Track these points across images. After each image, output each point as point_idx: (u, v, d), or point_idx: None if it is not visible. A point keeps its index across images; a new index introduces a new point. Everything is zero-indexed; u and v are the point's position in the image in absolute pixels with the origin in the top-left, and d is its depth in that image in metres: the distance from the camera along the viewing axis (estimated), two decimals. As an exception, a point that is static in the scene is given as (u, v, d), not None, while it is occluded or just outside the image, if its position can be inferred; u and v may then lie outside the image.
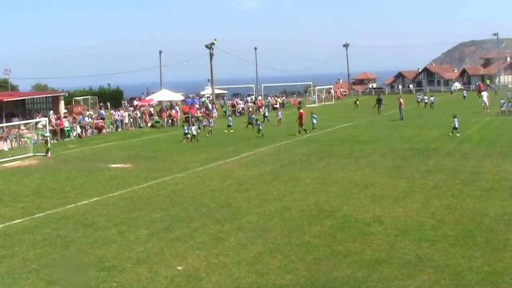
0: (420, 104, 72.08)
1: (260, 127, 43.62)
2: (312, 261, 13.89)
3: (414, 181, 23.25)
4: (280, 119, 52.77)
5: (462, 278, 12.35)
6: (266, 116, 56.78)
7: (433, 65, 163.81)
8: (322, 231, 16.48)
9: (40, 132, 47.34)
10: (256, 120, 46.16)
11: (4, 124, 45.93)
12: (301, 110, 45.24)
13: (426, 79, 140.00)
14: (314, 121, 46.68)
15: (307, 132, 42.67)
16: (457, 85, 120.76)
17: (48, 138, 40.33)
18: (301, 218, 18.08)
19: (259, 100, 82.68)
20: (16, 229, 18.46)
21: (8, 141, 45.17)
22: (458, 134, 37.51)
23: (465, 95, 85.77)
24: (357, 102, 76.48)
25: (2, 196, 24.31)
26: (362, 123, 51.70)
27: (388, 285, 12.21)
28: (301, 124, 43.34)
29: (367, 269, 13.12)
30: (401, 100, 54.92)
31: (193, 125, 45.87)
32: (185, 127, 43.74)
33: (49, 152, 38.07)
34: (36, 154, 38.70)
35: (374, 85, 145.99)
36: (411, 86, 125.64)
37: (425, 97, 73.87)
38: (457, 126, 38.21)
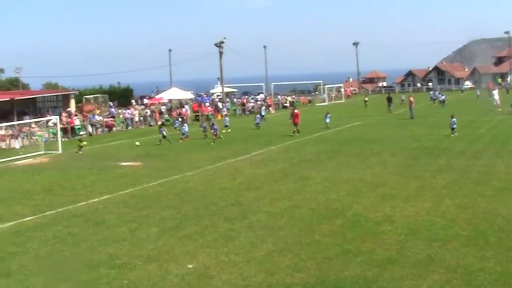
0: (435, 101, 71.83)
1: (216, 132, 40.87)
2: (322, 260, 13.86)
3: (424, 180, 23.16)
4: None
5: (474, 279, 12.28)
6: (263, 116, 55.99)
7: (444, 63, 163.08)
8: (332, 230, 16.44)
9: (51, 130, 47.54)
10: (212, 124, 42.75)
11: (16, 122, 46.20)
12: (296, 110, 44.91)
13: (436, 78, 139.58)
14: (328, 120, 46.52)
15: (299, 132, 42.15)
16: (468, 84, 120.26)
17: (82, 137, 41.39)
18: (311, 217, 18.05)
19: (269, 98, 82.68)
20: (27, 226, 18.54)
21: (20, 139, 45.47)
22: (452, 135, 36.77)
23: (478, 93, 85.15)
24: (367, 100, 76.13)
25: (14, 194, 24.43)
26: (372, 122, 51.56)
27: (399, 284, 12.16)
28: (295, 124, 42.97)
29: (378, 269, 13.07)
30: (411, 98, 54.70)
31: (161, 126, 44.79)
32: (184, 126, 44.37)
33: (81, 149, 38.64)
34: (47, 152, 38.88)
35: (384, 84, 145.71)
36: (430, 84, 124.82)
37: (439, 95, 73.46)
38: (454, 127, 37.39)
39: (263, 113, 57.75)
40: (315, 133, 42.41)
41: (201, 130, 43.58)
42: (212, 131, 40.86)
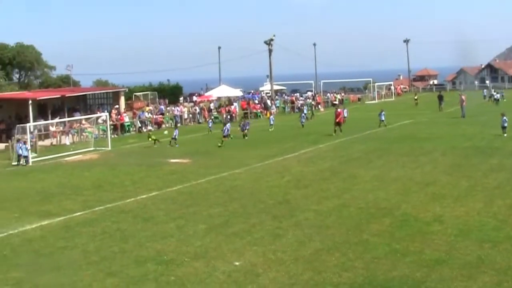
0: (490, 100, 70.41)
1: (226, 133, 39.58)
2: (370, 259, 13.70)
3: (476, 180, 22.70)
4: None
5: (526, 281, 11.98)
6: (305, 114, 54.96)
7: (497, 61, 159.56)
8: (381, 230, 16.25)
9: (101, 127, 48.23)
10: (225, 124, 42.35)
11: (66, 119, 47.05)
12: (339, 110, 44.30)
13: (489, 76, 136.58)
14: (383, 118, 45.86)
15: (336, 132, 41.08)
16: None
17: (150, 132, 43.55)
18: (359, 216, 17.88)
19: (318, 96, 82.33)
20: (77, 222, 18.85)
21: (70, 135, 46.31)
22: (505, 135, 35.60)
23: None
24: (416, 99, 74.62)
25: (64, 189, 24.87)
26: (422, 120, 50.83)
27: (448, 286, 11.94)
28: (338, 124, 42.02)
29: (427, 269, 12.87)
30: (463, 97, 53.66)
31: (176, 127, 44.00)
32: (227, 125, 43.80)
33: (157, 142, 39.42)
34: (97, 148, 39.47)
35: (435, 82, 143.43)
36: (487, 82, 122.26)
37: (494, 93, 71.87)
38: (505, 125, 36.08)
39: (305, 111, 56.98)
40: (364, 131, 42.01)
41: (239, 129, 43.23)
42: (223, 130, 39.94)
